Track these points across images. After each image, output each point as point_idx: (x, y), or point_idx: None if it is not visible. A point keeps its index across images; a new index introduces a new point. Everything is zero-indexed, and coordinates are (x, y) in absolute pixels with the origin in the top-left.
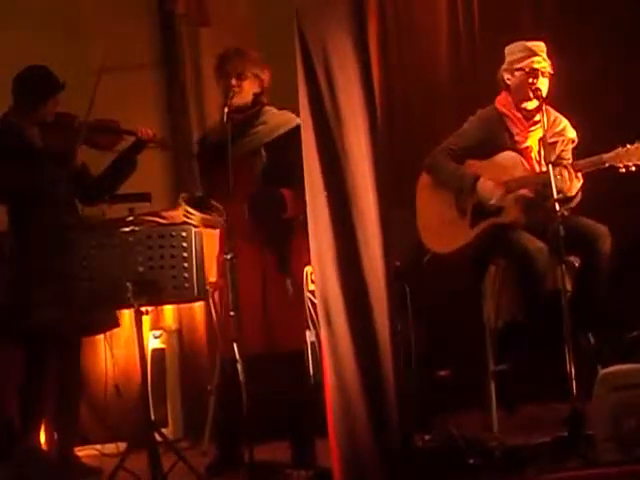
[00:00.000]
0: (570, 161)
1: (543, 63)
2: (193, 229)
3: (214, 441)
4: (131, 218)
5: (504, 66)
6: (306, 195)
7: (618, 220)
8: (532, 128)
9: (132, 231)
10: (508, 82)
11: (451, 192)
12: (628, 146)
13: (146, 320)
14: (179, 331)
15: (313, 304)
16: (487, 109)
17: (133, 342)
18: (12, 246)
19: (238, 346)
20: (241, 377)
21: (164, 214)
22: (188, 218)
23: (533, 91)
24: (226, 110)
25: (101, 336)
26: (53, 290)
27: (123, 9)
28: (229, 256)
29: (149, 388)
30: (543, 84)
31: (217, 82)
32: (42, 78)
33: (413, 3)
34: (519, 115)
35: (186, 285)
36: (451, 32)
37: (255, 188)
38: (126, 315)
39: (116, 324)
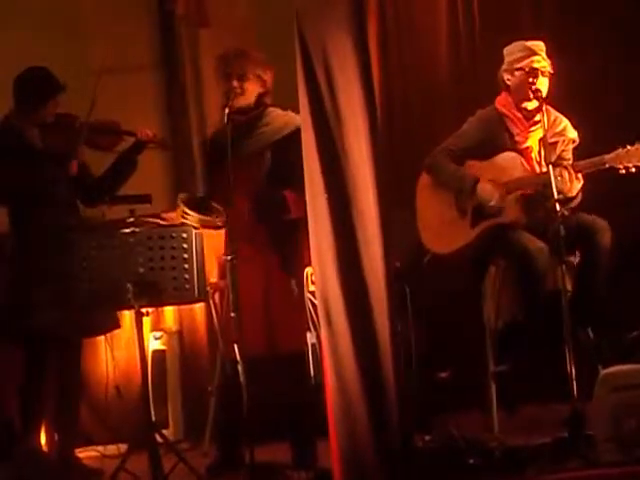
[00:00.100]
0: (571, 161)
1: (543, 62)
2: (193, 230)
3: (215, 442)
4: (131, 219)
5: (504, 66)
6: (306, 195)
7: (618, 220)
8: (532, 128)
9: (132, 232)
10: (508, 82)
11: (451, 192)
12: (628, 147)
13: (147, 321)
14: (180, 332)
15: (313, 305)
16: (487, 109)
17: (134, 343)
18: (13, 246)
19: (239, 347)
20: (242, 378)
21: (164, 215)
22: (185, 219)
23: (533, 91)
24: (227, 111)
25: (102, 337)
26: (53, 291)
27: (123, 9)
28: (229, 257)
29: (150, 389)
30: (543, 83)
31: (218, 83)
32: (42, 79)
33: (413, 3)
34: (519, 115)
35: (186, 286)
36: (451, 32)
37: (259, 189)
38: (127, 316)
39: (117, 325)
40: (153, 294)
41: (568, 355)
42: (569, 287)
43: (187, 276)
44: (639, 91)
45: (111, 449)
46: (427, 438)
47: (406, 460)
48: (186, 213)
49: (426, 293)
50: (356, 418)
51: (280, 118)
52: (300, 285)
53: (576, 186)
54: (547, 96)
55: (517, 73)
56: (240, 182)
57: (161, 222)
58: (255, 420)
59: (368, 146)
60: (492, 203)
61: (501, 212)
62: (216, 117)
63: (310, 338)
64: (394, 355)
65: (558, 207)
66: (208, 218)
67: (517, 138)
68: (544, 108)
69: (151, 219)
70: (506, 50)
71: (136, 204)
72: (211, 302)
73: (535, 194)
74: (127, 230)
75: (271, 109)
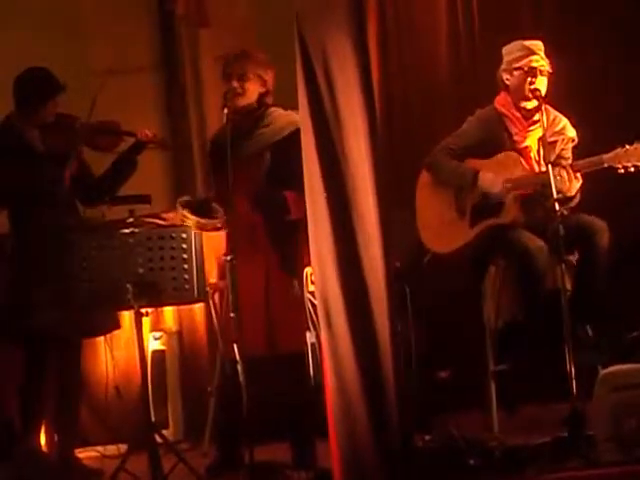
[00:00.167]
0: (570, 160)
1: (541, 62)
2: (193, 230)
3: (214, 442)
4: (131, 220)
5: (503, 66)
6: (306, 196)
7: (617, 219)
8: (531, 128)
9: (132, 233)
10: (507, 82)
11: (451, 191)
12: (627, 147)
13: (146, 322)
14: (179, 332)
15: (313, 305)
16: (486, 109)
17: (133, 344)
18: (13, 246)
19: (238, 347)
20: (241, 378)
21: (164, 216)
22: (184, 222)
23: (532, 91)
24: (225, 111)
25: (101, 338)
26: (53, 291)
27: (123, 10)
28: (229, 257)
29: (149, 390)
30: (542, 83)
31: (219, 83)
32: (42, 80)
33: (413, 3)
34: (518, 115)
35: (186, 286)
36: (450, 32)
37: (258, 189)
38: (126, 317)
39: (117, 326)
40: (153, 294)
41: (568, 355)
42: (569, 286)
43: (187, 276)
44: (639, 91)
45: (111, 449)
46: (427, 438)
47: (406, 460)
48: (185, 216)
49: (426, 293)
50: (356, 418)
51: (282, 118)
52: (300, 285)
53: (575, 185)
54: (546, 95)
55: (516, 73)
56: (240, 183)
57: (161, 222)
58: (255, 420)
59: (368, 147)
60: (496, 191)
61: (500, 212)
62: (216, 117)
63: (310, 338)
64: (394, 355)
65: (557, 206)
66: (206, 222)
67: (516, 138)
68: (543, 107)
69: (151, 219)
70: (505, 50)
71: (136, 204)
72: (211, 302)
73: (534, 193)
74: (127, 230)
75: (273, 109)
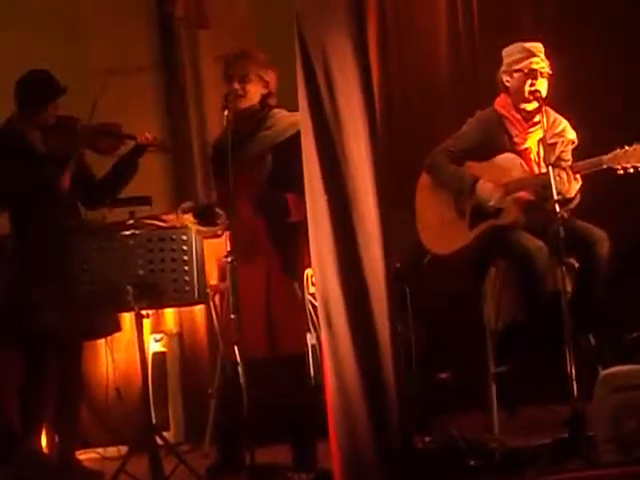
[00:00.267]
0: (570, 162)
1: (542, 64)
2: (193, 232)
3: (215, 444)
4: (132, 221)
5: (503, 68)
6: (306, 197)
7: (618, 221)
8: (531, 129)
9: (132, 234)
10: (507, 84)
11: (450, 193)
12: (626, 148)
13: (147, 323)
14: (180, 334)
15: (314, 307)
16: (486, 111)
17: (134, 346)
18: (13, 247)
19: (239, 349)
20: (242, 380)
21: (164, 217)
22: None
23: (532, 93)
24: (226, 113)
25: (102, 340)
26: (54, 292)
27: (122, 10)
28: (230, 259)
29: (150, 391)
30: (542, 85)
31: (220, 85)
32: (43, 82)
33: (413, 4)
34: (518, 116)
35: (187, 288)
36: (451, 33)
37: (260, 192)
38: (127, 319)
39: (118, 328)
40: (153, 296)
41: (568, 356)
42: (569, 288)
43: (187, 278)
44: (638, 92)
45: (111, 451)
46: (427, 439)
47: (406, 461)
48: (187, 224)
49: (426, 294)
50: (356, 419)
51: (285, 120)
52: (300, 287)
53: (574, 187)
54: (546, 97)
55: (516, 75)
56: (242, 185)
57: (161, 224)
58: (255, 422)
59: (368, 147)
60: (491, 203)
61: (500, 213)
62: (216, 118)
63: (310, 339)
64: (394, 356)
65: (557, 208)
66: (207, 229)
67: (516, 139)
68: (543, 109)
69: (151, 221)
70: (505, 52)
71: (136, 206)
72: (211, 304)
73: (534, 195)
74: (127, 232)
75: (276, 110)
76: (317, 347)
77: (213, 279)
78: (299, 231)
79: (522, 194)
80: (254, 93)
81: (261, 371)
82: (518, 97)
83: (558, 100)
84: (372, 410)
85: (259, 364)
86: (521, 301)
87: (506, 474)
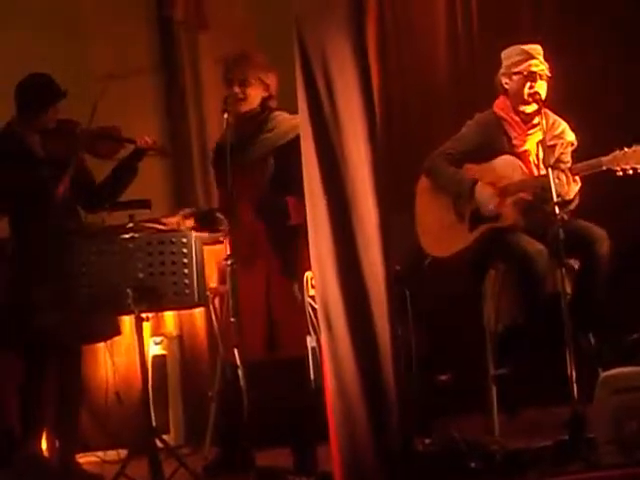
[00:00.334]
0: (569, 164)
1: (541, 66)
2: (193, 235)
3: (215, 445)
4: (131, 225)
5: (502, 70)
6: (306, 200)
7: (617, 222)
8: (530, 132)
9: (132, 238)
10: (506, 86)
11: (450, 196)
12: (626, 149)
13: (147, 326)
14: (180, 337)
15: (313, 309)
16: (485, 113)
17: (134, 349)
18: (13, 250)
19: (239, 352)
20: (242, 383)
21: (164, 220)
22: None
23: (531, 94)
24: (225, 116)
25: (102, 343)
26: (53, 296)
27: (122, 12)
28: (229, 262)
29: (150, 395)
30: (541, 87)
31: (221, 88)
32: (43, 86)
33: (411, 6)
34: (517, 119)
35: (186, 291)
36: (449, 35)
37: (262, 195)
38: (127, 322)
39: (117, 332)
40: (153, 299)
41: (568, 358)
42: (569, 290)
43: (187, 281)
44: (638, 92)
45: (111, 454)
46: (427, 441)
47: (406, 463)
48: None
49: (426, 296)
50: (356, 421)
51: (286, 122)
52: (300, 289)
53: (573, 189)
54: (545, 99)
55: (515, 77)
56: (244, 188)
57: (161, 227)
58: (256, 425)
59: (367, 150)
60: (490, 207)
61: (499, 215)
62: (216, 120)
63: (310, 342)
64: (394, 358)
65: (557, 210)
66: (208, 236)
67: (515, 142)
68: (542, 111)
69: (151, 224)
70: (504, 54)
71: (136, 209)
72: (211, 307)
73: (533, 197)
74: (127, 235)
75: (277, 113)
76: (317, 350)
77: (213, 282)
78: (299, 234)
79: (521, 196)
80: (254, 96)
81: (261, 374)
82: (517, 99)
83: (557, 102)
84: (372, 412)
85: (259, 367)
86: (521, 303)
87: (507, 476)
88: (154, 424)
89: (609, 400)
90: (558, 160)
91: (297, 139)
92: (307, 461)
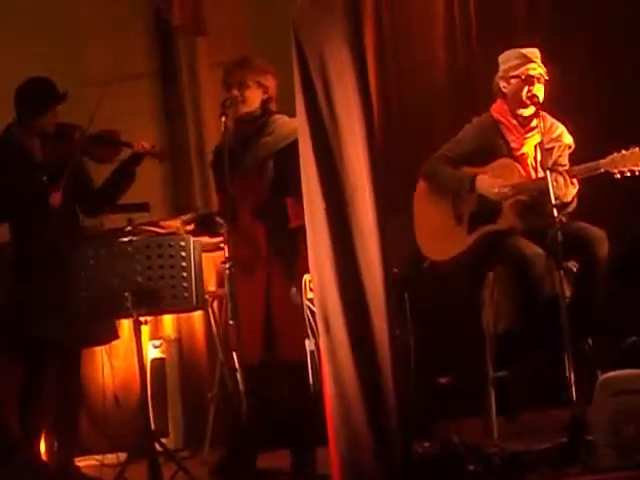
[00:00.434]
0: (567, 167)
1: (539, 69)
2: (191, 239)
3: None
4: (130, 228)
5: (499, 74)
6: (304, 203)
7: (616, 226)
8: (528, 135)
9: (131, 241)
10: (504, 90)
11: (448, 199)
12: (623, 152)
13: (145, 330)
14: (179, 340)
15: (312, 312)
16: (483, 116)
17: (133, 352)
18: (13, 254)
19: (237, 355)
20: (241, 386)
21: (162, 224)
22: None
23: (529, 97)
24: (223, 119)
25: (101, 347)
26: (53, 300)
27: (121, 17)
28: (228, 265)
29: (149, 398)
30: (539, 90)
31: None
32: (42, 90)
33: (409, 10)
34: (515, 122)
35: (185, 294)
36: (447, 38)
37: (262, 199)
38: (125, 325)
39: (115, 336)
40: (152, 302)
41: (567, 360)
42: (568, 293)
43: (185, 284)
44: (635, 94)
45: (110, 458)
46: (427, 444)
47: (406, 466)
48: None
49: (425, 299)
50: (355, 424)
51: (286, 125)
52: (298, 292)
53: (571, 191)
54: (543, 102)
55: (513, 81)
56: (243, 192)
57: (159, 230)
58: (255, 427)
59: (365, 153)
60: (495, 190)
61: (497, 218)
62: (214, 124)
63: (309, 345)
64: (393, 361)
65: (555, 213)
66: (207, 242)
67: (513, 145)
68: (540, 114)
69: (149, 227)
70: (501, 58)
71: (134, 213)
72: (210, 310)
73: (531, 200)
74: (125, 239)
75: (277, 116)
76: (316, 353)
77: (212, 285)
78: (298, 237)
79: (519, 199)
80: (253, 99)
81: (260, 377)
82: (515, 103)
83: (555, 103)
84: (371, 415)
85: (258, 370)
86: (519, 306)
87: (506, 479)
88: (153, 427)
89: (608, 403)
90: (556, 163)
91: (297, 142)
92: (306, 464)
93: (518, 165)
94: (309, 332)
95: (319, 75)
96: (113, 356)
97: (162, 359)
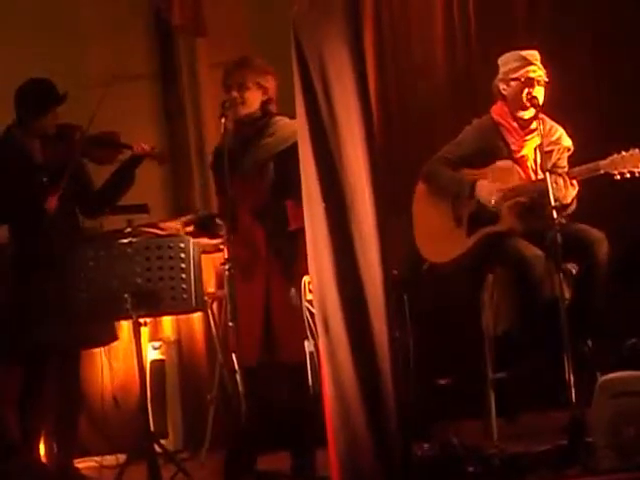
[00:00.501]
0: (566, 169)
1: (538, 72)
2: (191, 240)
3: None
4: (129, 229)
5: (499, 76)
6: (304, 204)
7: (615, 228)
8: (528, 137)
9: (130, 242)
10: (504, 92)
11: (448, 201)
12: (623, 153)
13: (145, 331)
14: (178, 342)
15: (311, 314)
16: (483, 118)
17: (132, 354)
18: (13, 255)
19: (237, 357)
20: (240, 388)
21: (162, 225)
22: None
23: (529, 100)
24: (223, 121)
25: (100, 348)
26: (53, 302)
27: (121, 18)
28: (227, 267)
29: (148, 399)
30: (539, 92)
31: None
32: (43, 90)
33: (409, 11)
34: (515, 124)
35: (184, 296)
36: (447, 40)
37: (262, 201)
38: (125, 327)
39: (114, 338)
40: (151, 304)
41: (567, 362)
42: (567, 295)
43: (185, 286)
44: (634, 95)
45: (110, 459)
46: (426, 446)
47: (405, 468)
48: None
49: (424, 300)
50: (355, 426)
51: (287, 127)
52: (298, 294)
53: (571, 193)
54: (543, 104)
55: (513, 83)
56: (243, 194)
57: (158, 231)
58: (255, 429)
59: (365, 154)
60: (492, 201)
61: (497, 220)
62: (214, 125)
63: (308, 347)
64: (392, 362)
65: (555, 214)
66: (207, 243)
67: (513, 147)
68: (540, 117)
69: (149, 229)
70: (501, 60)
71: (134, 214)
72: (209, 312)
73: (531, 202)
74: (125, 240)
75: (278, 118)
76: (315, 354)
77: (211, 287)
78: (298, 238)
79: (519, 201)
80: (253, 100)
81: (260, 378)
82: (515, 105)
83: (554, 104)
84: (371, 417)
85: (257, 371)
86: (519, 308)
87: None
88: (152, 429)
89: (607, 404)
90: (555, 165)
91: (296, 145)
92: (306, 466)
93: (518, 167)
94: (308, 333)
95: (319, 76)
96: (112, 357)
97: (161, 360)
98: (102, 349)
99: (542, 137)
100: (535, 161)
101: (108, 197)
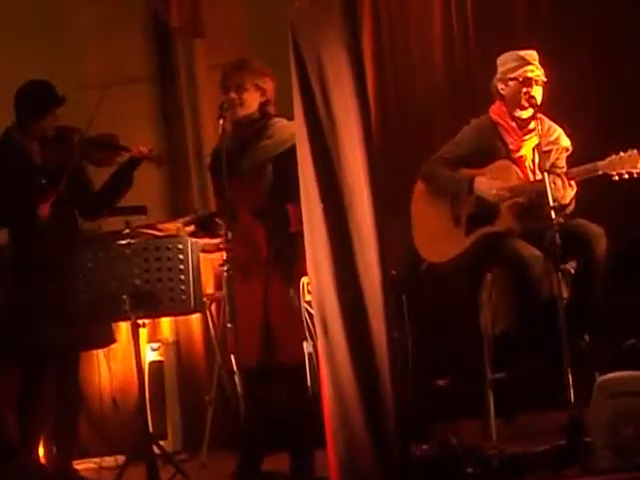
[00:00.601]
0: (564, 169)
1: (537, 72)
2: (189, 241)
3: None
4: (127, 231)
5: (497, 76)
6: (302, 205)
7: (614, 228)
8: (526, 137)
9: (128, 244)
10: (502, 92)
11: (446, 200)
12: (622, 154)
13: (143, 333)
14: (177, 343)
15: (310, 315)
16: (481, 118)
17: (130, 355)
18: (12, 257)
19: (235, 358)
20: (239, 389)
21: (160, 226)
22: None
23: (527, 100)
24: (221, 122)
25: (99, 350)
26: (51, 304)
27: (119, 20)
28: (226, 268)
29: (147, 401)
30: (537, 92)
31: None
32: (42, 93)
33: (407, 11)
34: (513, 124)
35: (183, 297)
36: (445, 40)
37: (261, 203)
38: (123, 328)
39: (112, 340)
40: (149, 305)
41: (565, 362)
42: (565, 294)
43: (183, 287)
44: (633, 96)
45: (109, 461)
46: (425, 446)
47: (404, 468)
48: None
49: (423, 300)
50: (353, 426)
51: (285, 129)
52: (296, 295)
53: (569, 193)
54: (541, 104)
55: (511, 83)
56: (243, 196)
57: (157, 232)
58: (254, 430)
59: (363, 155)
60: (493, 192)
61: (495, 220)
62: (212, 127)
63: (307, 348)
64: (391, 363)
65: (553, 215)
66: (207, 243)
67: (511, 147)
68: (538, 117)
69: (147, 230)
70: (499, 60)
71: (132, 215)
72: (208, 313)
73: (529, 202)
74: (123, 242)
75: (276, 120)
76: (314, 355)
77: (210, 288)
78: (297, 239)
79: (517, 201)
80: (251, 101)
81: (258, 379)
82: (513, 105)
83: (553, 105)
84: (369, 417)
85: (256, 372)
86: (517, 308)
87: None
88: (151, 430)
89: (606, 404)
90: (553, 165)
91: (294, 147)
92: (305, 466)
93: (516, 167)
94: (307, 334)
95: (317, 77)
96: (111, 359)
97: (160, 362)
98: (101, 351)
99: (540, 137)
100: (533, 161)
101: (107, 199)
